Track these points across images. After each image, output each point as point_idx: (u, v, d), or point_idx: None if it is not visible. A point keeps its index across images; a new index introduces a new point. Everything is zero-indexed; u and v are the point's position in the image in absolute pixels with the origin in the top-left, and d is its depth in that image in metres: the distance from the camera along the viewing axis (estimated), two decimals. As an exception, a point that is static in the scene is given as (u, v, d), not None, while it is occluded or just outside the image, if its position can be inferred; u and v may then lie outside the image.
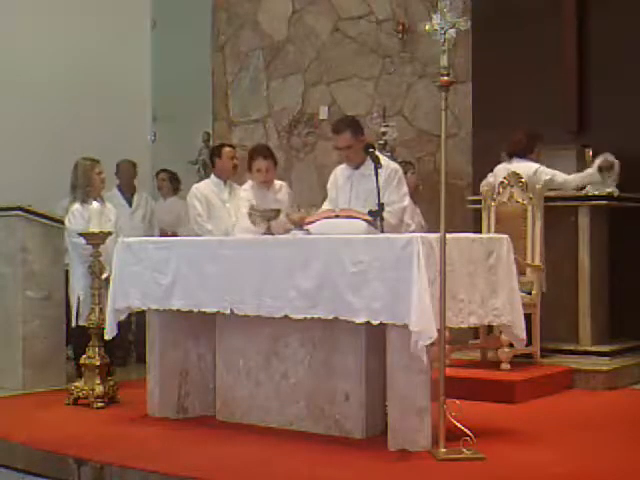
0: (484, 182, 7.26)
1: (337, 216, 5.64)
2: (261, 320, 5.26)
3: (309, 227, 5.58)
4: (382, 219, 5.60)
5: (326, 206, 6.28)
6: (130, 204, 8.58)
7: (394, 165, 6.25)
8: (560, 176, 7.05)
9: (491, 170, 7.26)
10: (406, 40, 8.90)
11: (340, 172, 6.29)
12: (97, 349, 6.24)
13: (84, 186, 7.03)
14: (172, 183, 9.34)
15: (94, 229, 6.24)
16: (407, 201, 6.18)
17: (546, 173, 7.00)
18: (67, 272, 7.49)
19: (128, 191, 8.67)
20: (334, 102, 9.46)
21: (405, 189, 6.17)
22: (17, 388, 6.80)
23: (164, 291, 5.56)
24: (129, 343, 8.47)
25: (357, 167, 6.13)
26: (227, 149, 7.43)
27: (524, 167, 7.04)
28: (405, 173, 7.74)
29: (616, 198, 7.08)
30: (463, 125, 8.55)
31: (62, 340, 7.18)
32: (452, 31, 4.59)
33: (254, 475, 4.46)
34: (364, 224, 5.50)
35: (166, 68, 10.61)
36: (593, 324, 6.99)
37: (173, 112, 10.45)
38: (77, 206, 7.01)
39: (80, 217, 6.88)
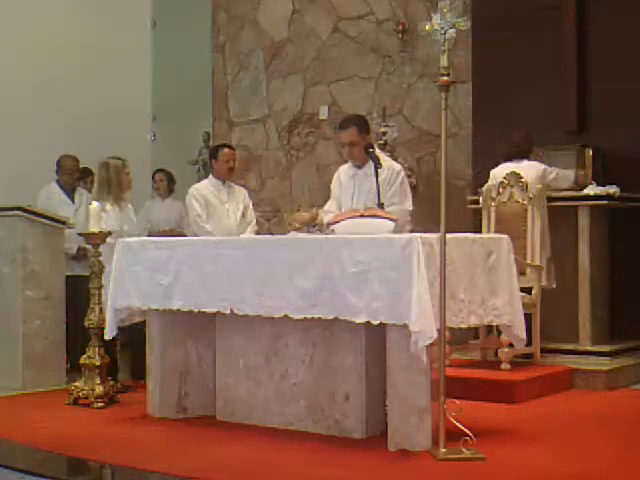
0: (485, 187, 7.22)
1: (362, 215, 5.60)
2: (261, 320, 5.26)
3: (334, 227, 5.52)
4: None
5: (329, 205, 6.27)
6: (72, 200, 8.18)
7: (397, 167, 6.23)
8: (562, 171, 7.17)
9: (488, 174, 7.23)
10: (406, 40, 8.89)
11: (344, 171, 6.29)
12: (97, 349, 6.24)
13: (116, 186, 6.90)
14: (169, 183, 9.31)
15: (94, 229, 6.24)
16: (410, 205, 6.13)
17: (551, 171, 7.10)
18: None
19: (69, 187, 8.30)
20: (334, 102, 9.45)
21: (408, 191, 6.14)
22: (17, 388, 6.80)
23: (164, 291, 5.56)
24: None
25: (361, 166, 6.13)
26: (224, 151, 7.23)
27: (531, 167, 7.04)
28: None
29: (616, 198, 7.08)
30: (463, 125, 8.54)
31: (62, 340, 7.18)
32: (452, 31, 4.60)
33: (254, 475, 4.46)
34: (392, 224, 5.40)
35: (166, 68, 10.60)
36: (593, 324, 6.98)
37: (173, 112, 10.44)
38: (109, 207, 6.83)
39: (113, 218, 6.77)
